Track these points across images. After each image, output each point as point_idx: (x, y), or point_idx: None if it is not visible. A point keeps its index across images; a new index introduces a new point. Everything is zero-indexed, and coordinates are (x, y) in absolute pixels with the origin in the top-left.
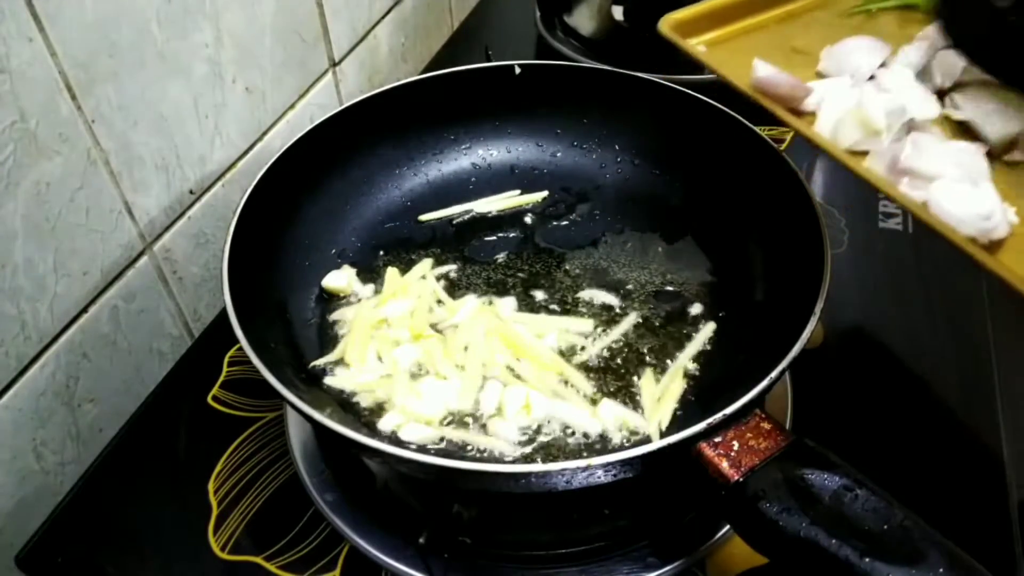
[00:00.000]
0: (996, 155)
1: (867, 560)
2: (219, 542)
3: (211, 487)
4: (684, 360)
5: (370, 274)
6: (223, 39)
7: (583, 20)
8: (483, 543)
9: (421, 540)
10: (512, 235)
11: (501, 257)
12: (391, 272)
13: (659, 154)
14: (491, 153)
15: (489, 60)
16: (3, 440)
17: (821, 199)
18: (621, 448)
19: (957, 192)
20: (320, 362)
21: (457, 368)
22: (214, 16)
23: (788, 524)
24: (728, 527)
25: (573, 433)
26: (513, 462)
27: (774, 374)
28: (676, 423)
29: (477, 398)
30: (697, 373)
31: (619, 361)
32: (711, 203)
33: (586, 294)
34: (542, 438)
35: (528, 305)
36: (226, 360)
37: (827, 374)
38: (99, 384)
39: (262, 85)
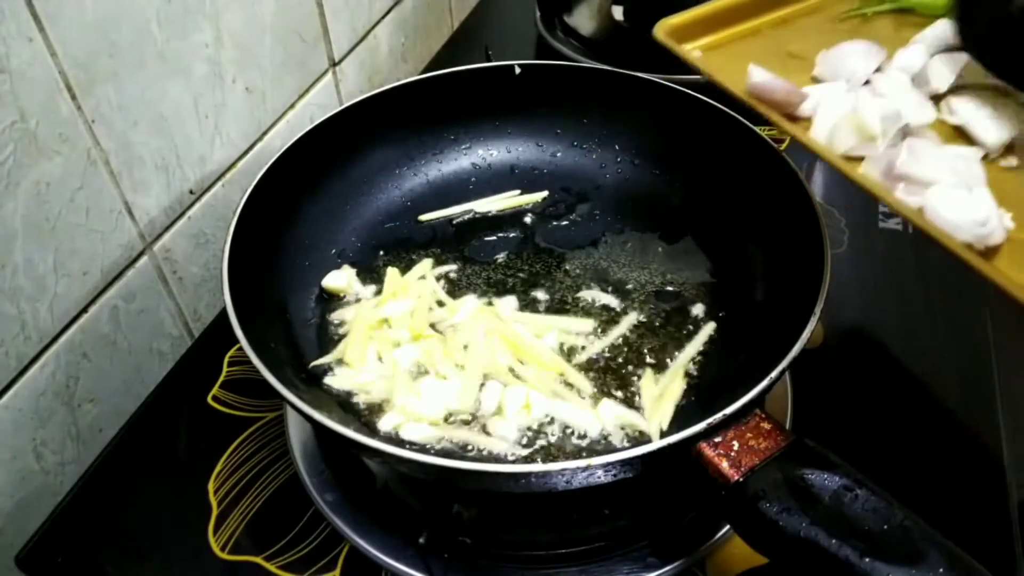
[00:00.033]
0: (992, 160)
1: (867, 560)
2: (219, 542)
3: (211, 487)
4: (684, 360)
5: (370, 274)
6: (223, 39)
7: (583, 20)
8: (483, 543)
9: (421, 540)
10: (512, 235)
11: (501, 257)
12: (391, 272)
13: (659, 154)
14: (491, 153)
15: (489, 60)
16: (3, 440)
17: (821, 199)
18: (621, 448)
19: (953, 198)
20: (320, 362)
21: (457, 368)
22: (214, 16)
23: (788, 524)
24: (728, 527)
25: (573, 433)
26: (513, 462)
27: (774, 374)
28: (676, 423)
29: (477, 398)
30: (697, 373)
31: (619, 361)
32: (711, 203)
33: (586, 294)
34: (542, 438)
35: (528, 305)
36: (226, 360)
37: (827, 374)
38: (99, 384)
39: (262, 85)
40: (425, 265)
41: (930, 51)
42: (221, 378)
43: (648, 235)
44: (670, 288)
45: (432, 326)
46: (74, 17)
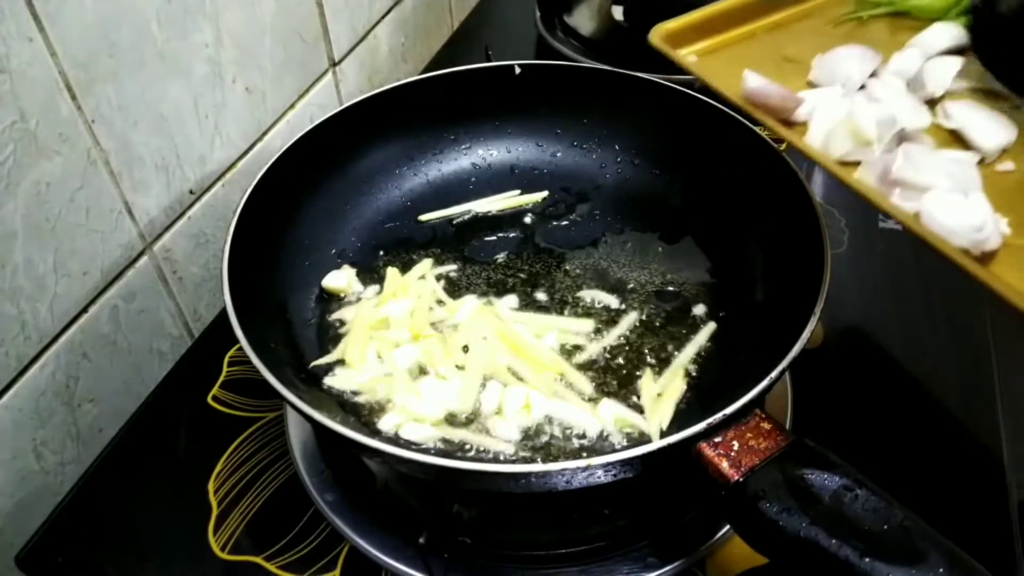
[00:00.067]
0: (988, 164)
1: (867, 560)
2: (219, 542)
3: (211, 487)
4: (684, 360)
5: (370, 274)
6: (223, 39)
7: (583, 20)
8: (483, 543)
9: (421, 540)
10: (512, 235)
11: (501, 257)
12: (391, 272)
13: (659, 154)
14: (491, 153)
15: (489, 60)
16: (3, 440)
17: (821, 199)
18: (621, 448)
19: (949, 203)
20: (320, 362)
21: (457, 368)
22: (214, 16)
23: (788, 524)
24: (728, 527)
25: (573, 433)
26: (513, 462)
27: (774, 374)
28: (676, 423)
29: (477, 398)
30: (697, 373)
31: (619, 361)
32: (711, 203)
33: (586, 294)
34: (542, 438)
35: (528, 305)
36: (226, 360)
37: (827, 374)
38: (99, 384)
39: (262, 85)
40: (425, 265)
41: (925, 55)
42: (221, 378)
43: (648, 235)
44: (670, 288)
45: (432, 326)
46: (74, 17)
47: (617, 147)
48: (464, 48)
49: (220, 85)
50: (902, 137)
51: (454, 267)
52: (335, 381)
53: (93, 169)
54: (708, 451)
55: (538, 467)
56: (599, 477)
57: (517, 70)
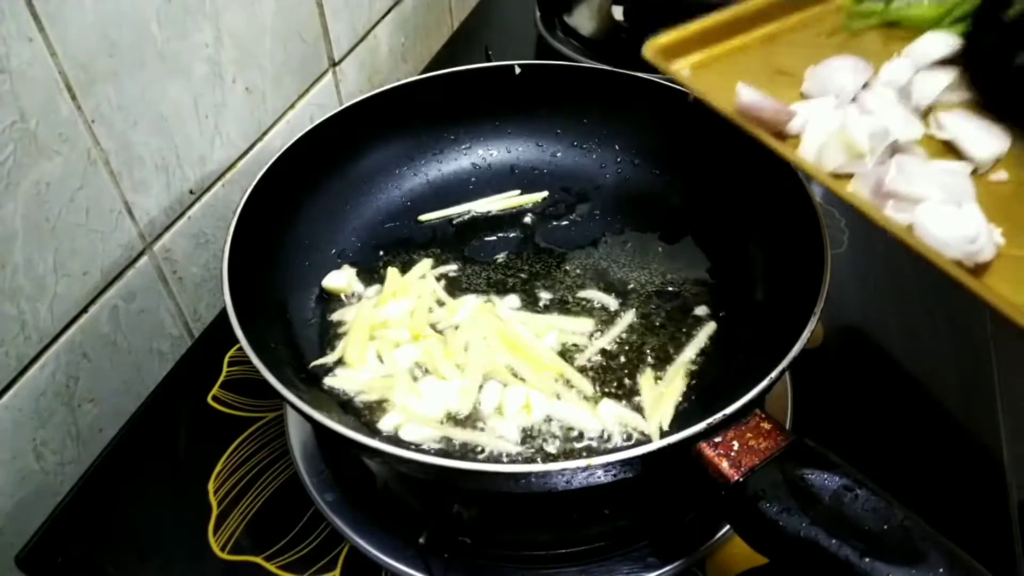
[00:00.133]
0: (981, 175)
1: (867, 560)
2: (219, 542)
3: (211, 487)
4: (684, 360)
5: (370, 274)
6: (223, 39)
7: (583, 20)
8: (483, 543)
9: (421, 540)
10: (512, 235)
11: (501, 257)
12: (391, 272)
13: (659, 154)
14: (491, 153)
15: (489, 60)
16: (3, 440)
17: (821, 199)
18: (621, 448)
19: (942, 214)
20: (320, 362)
21: (457, 368)
22: (214, 16)
23: (788, 524)
24: (728, 527)
25: (573, 433)
26: (513, 462)
27: (774, 374)
28: (676, 423)
29: (477, 398)
30: (697, 373)
31: (619, 361)
32: (711, 203)
33: (586, 294)
34: (542, 438)
35: (528, 305)
36: (226, 360)
37: (827, 374)
38: (99, 384)
39: (262, 85)
40: (425, 265)
41: (917, 65)
42: (221, 378)
43: (648, 235)
44: (670, 288)
45: (432, 326)
46: (74, 17)
47: (617, 147)
48: (464, 48)
49: (220, 85)
50: (895, 148)
51: (454, 267)
52: (335, 381)
53: (93, 169)
54: (708, 451)
55: (538, 467)
56: (599, 477)
57: (517, 70)
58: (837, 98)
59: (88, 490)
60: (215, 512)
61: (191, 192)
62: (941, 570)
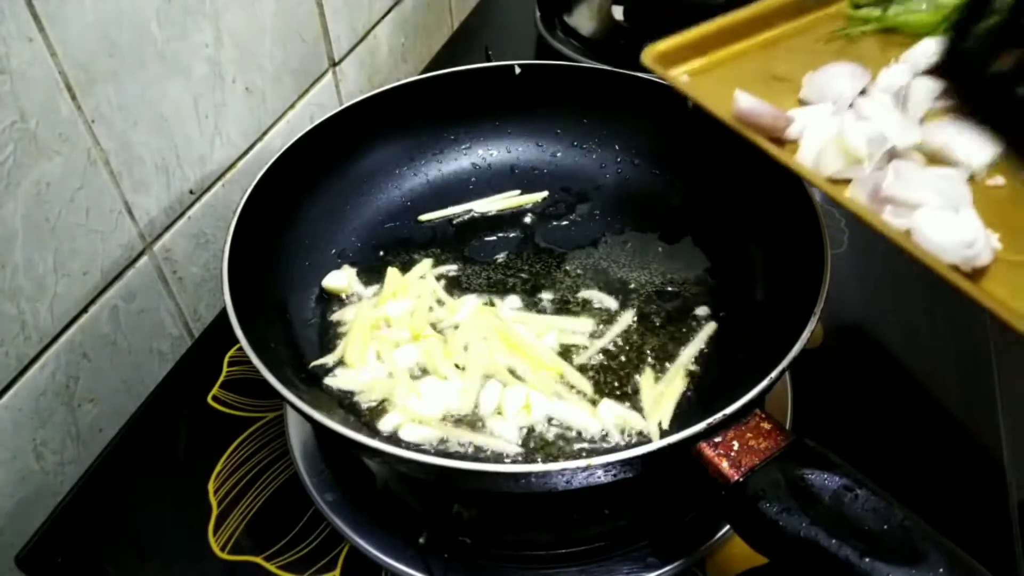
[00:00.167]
0: (978, 180)
1: (867, 560)
2: (219, 542)
3: (211, 487)
4: (684, 360)
5: (370, 274)
6: (223, 39)
7: (583, 20)
8: (483, 543)
9: (421, 540)
10: (512, 235)
11: (501, 257)
12: (391, 272)
13: (659, 154)
14: (491, 153)
15: (489, 60)
16: (3, 440)
17: (821, 199)
18: (621, 448)
19: (940, 220)
20: (320, 362)
21: (457, 368)
22: (214, 16)
23: (788, 524)
24: (728, 527)
25: (573, 433)
26: (513, 462)
27: (774, 374)
28: (676, 423)
29: (477, 398)
30: (697, 373)
31: (619, 361)
32: (711, 203)
33: (586, 294)
34: (542, 438)
35: (528, 305)
36: (226, 360)
37: (827, 374)
38: (99, 384)
39: (262, 85)
40: (425, 265)
41: (913, 71)
42: (221, 378)
43: (648, 235)
44: (670, 288)
45: (432, 326)
46: (74, 17)
47: (617, 147)
48: (464, 48)
49: (220, 85)
50: (892, 154)
51: (454, 267)
52: (335, 381)
53: (93, 169)
54: (708, 451)
55: (538, 467)
56: (599, 477)
57: (517, 70)
58: (835, 104)
59: (88, 490)
60: (215, 512)
61: (191, 192)
62: (941, 570)
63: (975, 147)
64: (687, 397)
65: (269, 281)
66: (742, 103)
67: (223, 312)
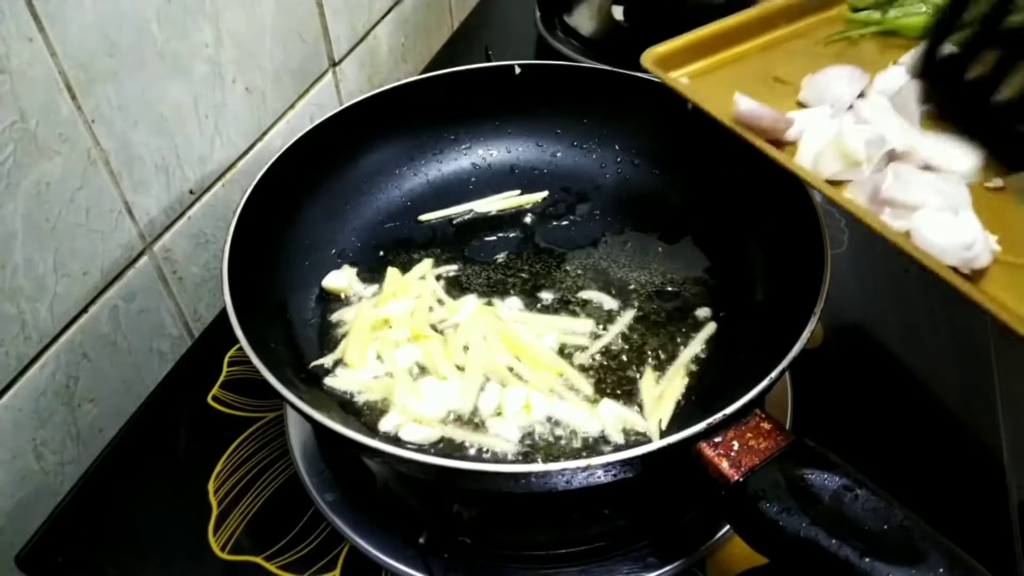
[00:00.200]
0: (977, 182)
1: (867, 560)
2: (219, 542)
3: (211, 487)
4: (684, 360)
5: (370, 274)
6: (223, 39)
7: (583, 20)
8: (483, 543)
9: (421, 540)
10: (512, 235)
11: (501, 257)
12: (391, 272)
13: (659, 154)
14: (491, 153)
15: (489, 60)
16: (3, 440)
17: (821, 200)
18: (621, 448)
19: (939, 221)
20: (320, 362)
21: (457, 368)
22: (214, 16)
23: (788, 524)
24: (728, 527)
25: (573, 433)
26: (513, 462)
27: (774, 374)
28: (676, 423)
29: (477, 398)
30: (697, 373)
31: (619, 361)
32: (711, 203)
33: (586, 294)
34: (542, 438)
35: (528, 305)
36: (226, 360)
37: (827, 374)
38: (99, 384)
39: (262, 85)
40: (425, 265)
41: (910, 73)
42: (221, 378)
43: (648, 235)
44: (670, 288)
45: (432, 326)
46: (74, 17)
47: (617, 147)
48: (464, 48)
49: (220, 85)
50: (891, 156)
51: (454, 267)
52: (335, 381)
53: (93, 169)
54: (708, 451)
55: (538, 467)
56: (599, 477)
57: (517, 70)
58: (833, 107)
59: (88, 490)
60: (215, 512)
61: (191, 192)
62: (941, 570)
63: (957, 154)
64: (687, 397)
65: (269, 281)
66: (742, 106)
67: (223, 312)
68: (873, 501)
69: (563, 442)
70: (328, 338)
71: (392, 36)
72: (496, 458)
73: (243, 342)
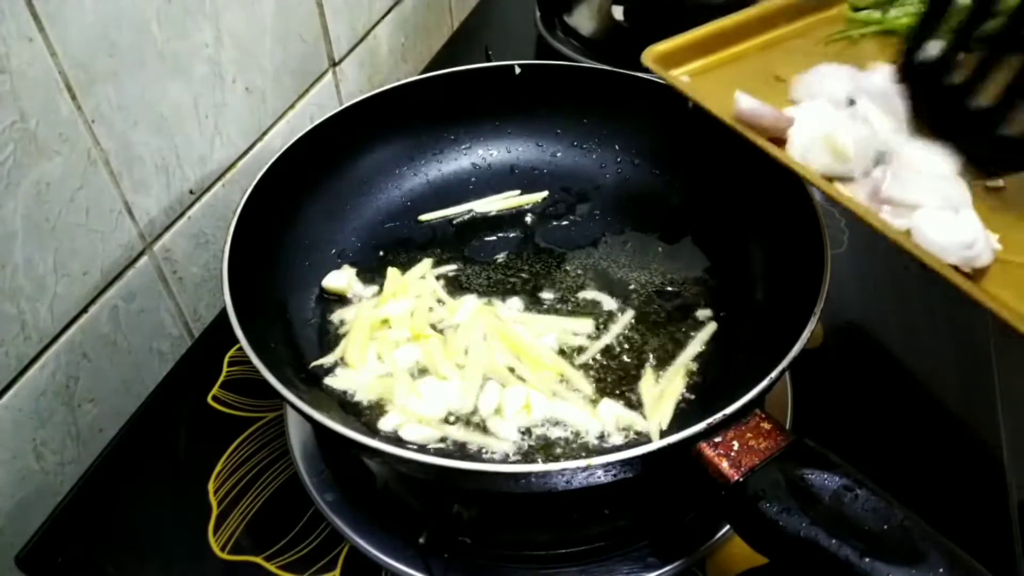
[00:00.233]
0: (978, 181)
1: (867, 560)
2: (219, 542)
3: (211, 487)
4: (684, 360)
5: (370, 274)
6: (223, 39)
7: (583, 20)
8: (483, 543)
9: (421, 540)
10: (512, 235)
11: (501, 257)
12: (391, 272)
13: (659, 154)
14: (491, 153)
15: (489, 60)
16: (3, 440)
17: (821, 199)
18: (621, 448)
19: (940, 220)
20: (320, 362)
21: (457, 368)
22: (214, 16)
23: (788, 524)
24: (728, 527)
25: (573, 433)
26: (513, 462)
27: (774, 374)
28: (676, 423)
29: (477, 398)
30: (697, 373)
31: (619, 361)
32: (711, 203)
33: (586, 294)
34: (542, 438)
35: (528, 305)
36: (226, 360)
37: (827, 374)
38: (99, 384)
39: (262, 85)
40: (425, 265)
41: (892, 78)
42: (221, 378)
43: (648, 235)
44: (670, 288)
45: (432, 326)
46: (74, 17)
47: (617, 147)
48: (464, 48)
49: (220, 85)
50: (881, 156)
51: (454, 267)
52: (335, 381)
53: (93, 169)
54: (708, 451)
55: (538, 467)
56: (599, 477)
57: (517, 70)
58: (832, 103)
59: (88, 490)
60: (215, 512)
61: (191, 192)
62: (941, 570)
63: (937, 158)
64: (687, 397)
65: (269, 281)
66: (743, 104)
67: (223, 312)
68: (873, 501)
69: (563, 442)
70: (328, 338)
71: (392, 36)
72: (496, 458)
73: (243, 342)
